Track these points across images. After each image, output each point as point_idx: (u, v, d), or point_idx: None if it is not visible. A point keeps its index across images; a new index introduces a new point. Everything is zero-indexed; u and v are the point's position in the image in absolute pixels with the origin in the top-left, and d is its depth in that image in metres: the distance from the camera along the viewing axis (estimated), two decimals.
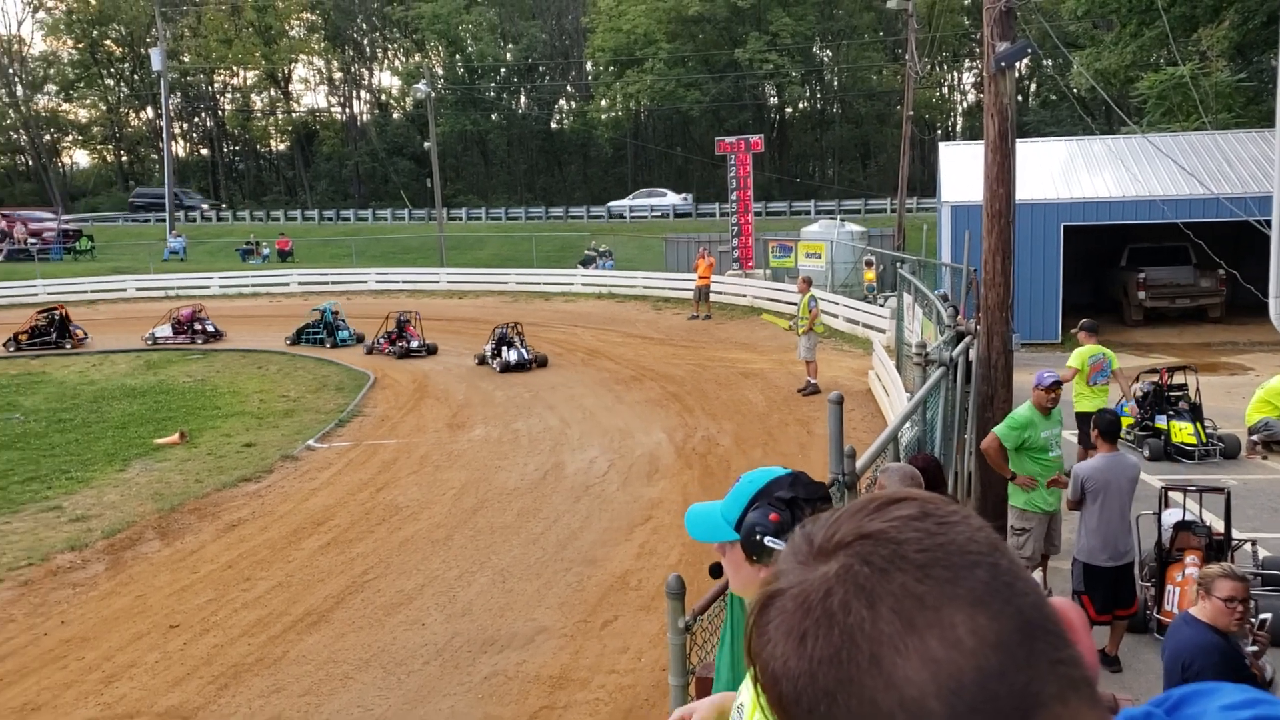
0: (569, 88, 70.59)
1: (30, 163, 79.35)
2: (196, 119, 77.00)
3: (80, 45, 73.31)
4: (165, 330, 24.75)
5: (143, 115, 77.44)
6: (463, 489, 11.71)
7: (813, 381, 15.97)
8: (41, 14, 73.81)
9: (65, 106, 78.13)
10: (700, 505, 2.07)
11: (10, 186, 76.59)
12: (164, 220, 51.17)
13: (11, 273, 36.73)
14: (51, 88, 77.11)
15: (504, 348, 20.07)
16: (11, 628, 8.05)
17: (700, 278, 25.17)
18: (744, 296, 26.72)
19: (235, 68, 70.59)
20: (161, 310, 30.89)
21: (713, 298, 25.64)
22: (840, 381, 16.01)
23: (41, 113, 76.95)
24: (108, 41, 73.93)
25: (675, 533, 9.81)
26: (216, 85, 74.17)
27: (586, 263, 36.19)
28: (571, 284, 32.34)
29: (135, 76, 74.12)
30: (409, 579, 8.85)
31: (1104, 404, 9.89)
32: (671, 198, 52.91)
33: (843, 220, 31.93)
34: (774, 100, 63.85)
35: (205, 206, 51.50)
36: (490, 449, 13.54)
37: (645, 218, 50.57)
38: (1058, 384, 6.96)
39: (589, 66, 65.58)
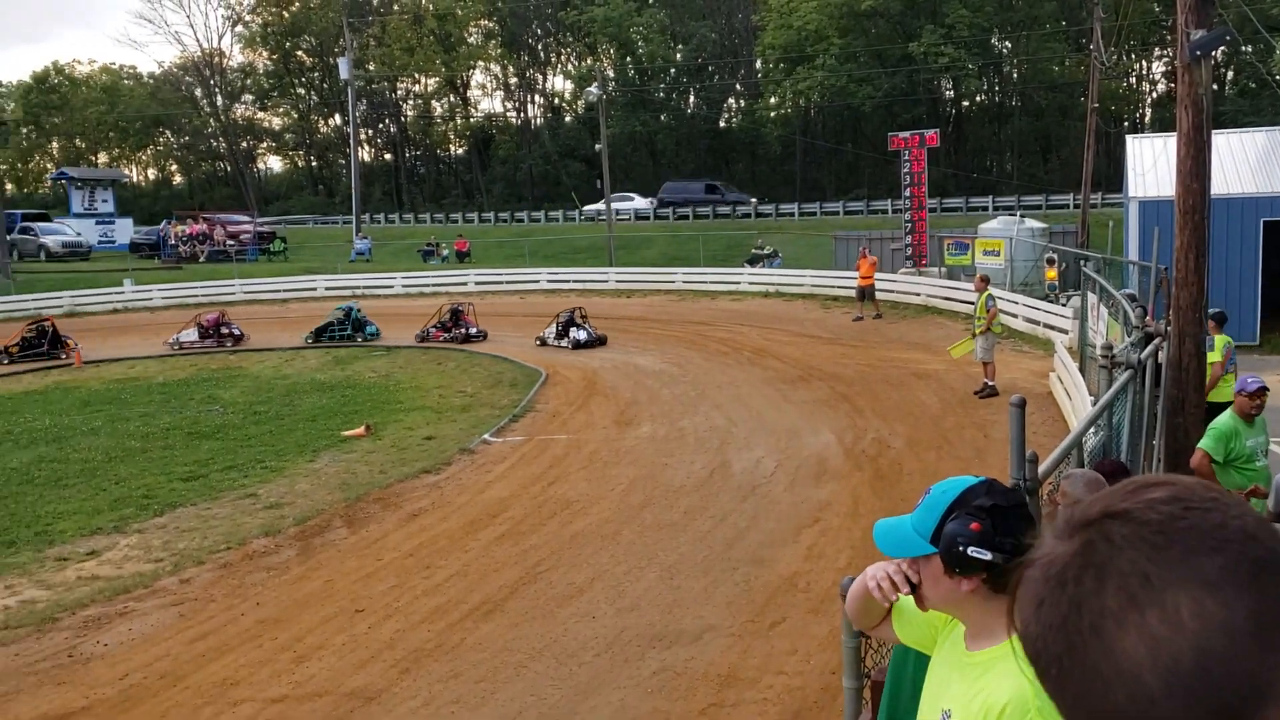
0: (738, 86, 70.44)
1: (229, 168, 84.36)
2: (381, 125, 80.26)
3: (274, 56, 77.49)
4: (191, 334, 25.48)
5: (331, 122, 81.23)
6: (631, 485, 11.85)
7: (990, 383, 15.51)
8: (240, 28, 78.28)
9: (260, 115, 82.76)
10: (888, 520, 2.03)
11: (211, 191, 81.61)
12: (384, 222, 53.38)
13: (213, 272, 39.12)
14: (248, 97, 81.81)
15: (572, 328, 23.08)
16: (213, 607, 8.59)
17: (863, 277, 24.70)
18: (917, 295, 26.13)
19: (417, 75, 73.27)
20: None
21: (884, 296, 25.18)
22: (1019, 384, 15.50)
23: (239, 121, 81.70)
24: (299, 52, 77.90)
25: (844, 536, 9.70)
26: (399, 92, 77.09)
27: (753, 261, 36.08)
28: (738, 283, 32.29)
29: (324, 85, 77.82)
30: (579, 572, 9.03)
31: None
32: (639, 201, 56.60)
33: (1022, 216, 30.84)
34: (949, 94, 62.20)
35: (754, 201, 53.54)
36: (657, 446, 13.67)
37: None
38: (1264, 390, 6.54)
39: (758, 64, 65.33)
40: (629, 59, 67.08)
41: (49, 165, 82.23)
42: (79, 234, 47.04)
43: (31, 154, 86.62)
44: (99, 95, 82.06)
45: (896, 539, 1.97)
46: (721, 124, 70.65)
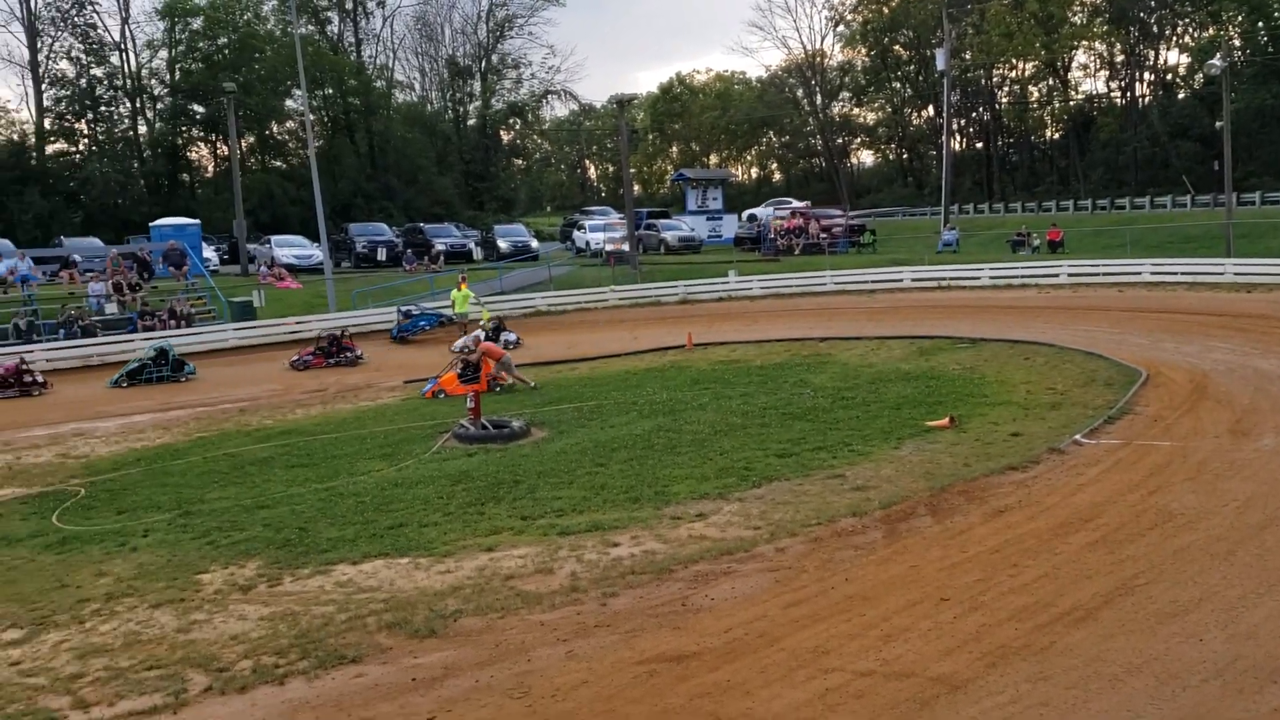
0: None
1: (823, 164, 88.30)
2: (973, 114, 79.17)
3: (872, 53, 79.57)
4: None
5: (923, 114, 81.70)
6: (1247, 502, 10.63)
7: None
8: (841, 27, 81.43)
9: (855, 111, 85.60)
10: None
11: (806, 187, 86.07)
12: (938, 213, 53.40)
13: (806, 264, 41.23)
14: (845, 94, 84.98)
15: (501, 333, 28.93)
16: (805, 578, 9.12)
17: None
18: None
19: (1014, 60, 71.11)
20: (929, 300, 32.50)
21: None
22: None
23: (835, 118, 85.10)
24: (896, 47, 79.25)
25: None
26: (994, 79, 75.40)
27: None
28: None
29: (919, 78, 78.44)
30: (1184, 590, 8.30)
31: None
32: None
33: None
34: None
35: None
36: None
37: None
38: None
39: None
40: (1261, 24, 59.47)
41: (668, 167, 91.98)
42: (692, 229, 51.99)
43: (655, 158, 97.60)
44: (713, 101, 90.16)
45: None
46: None
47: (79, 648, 8.38)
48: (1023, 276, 35.56)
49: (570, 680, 7.21)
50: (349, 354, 27.63)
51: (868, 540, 10.11)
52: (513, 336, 29.36)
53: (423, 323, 31.75)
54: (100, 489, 14.66)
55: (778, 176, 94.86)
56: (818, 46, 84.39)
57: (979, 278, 35.97)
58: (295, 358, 27.53)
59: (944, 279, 36.42)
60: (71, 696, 7.41)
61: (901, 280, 36.86)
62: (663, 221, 52.55)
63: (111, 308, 31.80)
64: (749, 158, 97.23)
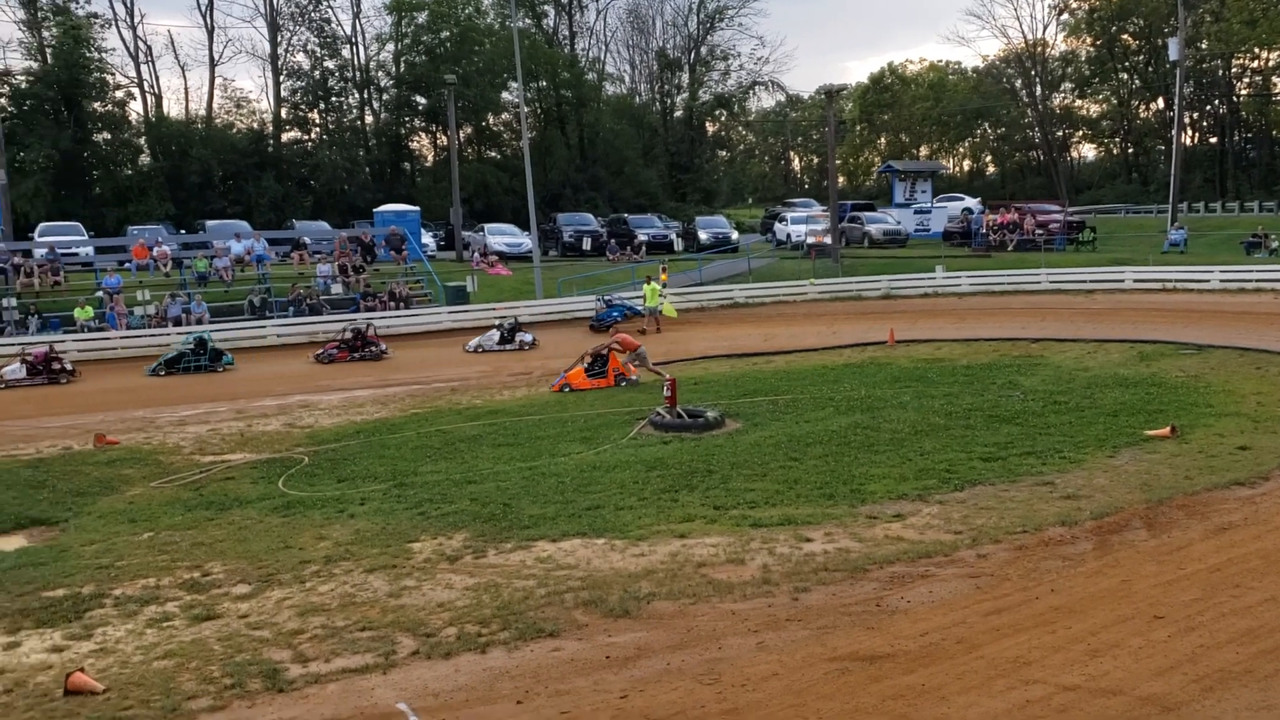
0: None
1: (1041, 158, 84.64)
2: (1208, 107, 74.26)
3: (1098, 42, 75.60)
4: (17, 371, 24.45)
5: (1152, 107, 77.16)
6: None
7: None
8: (1065, 16, 77.70)
9: (1078, 103, 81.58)
10: None
11: (1021, 181, 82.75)
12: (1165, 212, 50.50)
13: (1019, 261, 39.62)
14: (1067, 85, 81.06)
15: (517, 334, 28.88)
16: (1007, 585, 8.84)
17: None
18: None
19: (1257, 50, 66.16)
20: (1152, 302, 30.74)
21: None
22: None
23: (1055, 110, 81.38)
24: (1125, 36, 75.04)
25: None
26: (1232, 70, 70.48)
27: None
28: None
29: (1148, 68, 74.12)
30: None
31: None
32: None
33: None
34: None
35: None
36: None
37: None
38: None
39: None
40: None
41: (876, 159, 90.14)
42: (899, 222, 50.81)
43: (862, 149, 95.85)
44: (925, 92, 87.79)
45: None
46: None
47: (299, 605, 8.97)
48: (1257, 280, 33.12)
49: (760, 671, 7.23)
50: (373, 348, 28.07)
51: (1077, 551, 9.70)
52: (529, 338, 29.02)
53: (614, 313, 32.29)
54: (322, 458, 15.62)
55: (991, 169, 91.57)
56: (1039, 36, 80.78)
57: (1208, 280, 33.74)
58: (320, 351, 28.12)
59: (1169, 281, 34.33)
60: (292, 650, 7.94)
61: (1123, 281, 34.97)
62: (867, 214, 51.53)
63: (337, 288, 33.76)
64: (961, 150, 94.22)
